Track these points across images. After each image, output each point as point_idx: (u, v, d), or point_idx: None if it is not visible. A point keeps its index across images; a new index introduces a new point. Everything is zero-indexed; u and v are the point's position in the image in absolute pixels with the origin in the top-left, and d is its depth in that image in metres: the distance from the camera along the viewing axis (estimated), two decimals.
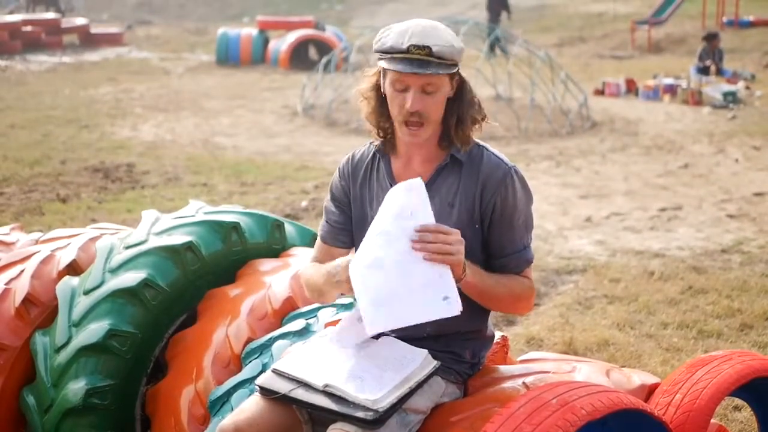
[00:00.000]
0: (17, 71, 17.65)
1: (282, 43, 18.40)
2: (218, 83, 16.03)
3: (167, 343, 3.11)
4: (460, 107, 2.40)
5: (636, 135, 11.08)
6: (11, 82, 15.95)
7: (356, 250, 2.36)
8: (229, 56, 18.74)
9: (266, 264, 3.22)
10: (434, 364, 2.36)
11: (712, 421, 2.54)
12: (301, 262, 3.13)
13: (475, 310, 2.45)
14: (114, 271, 3.08)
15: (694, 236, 6.78)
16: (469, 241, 2.30)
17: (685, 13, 22.11)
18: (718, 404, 2.48)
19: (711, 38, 14.81)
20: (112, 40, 22.72)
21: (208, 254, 3.17)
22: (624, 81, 14.47)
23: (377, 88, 2.42)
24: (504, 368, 2.56)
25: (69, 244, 3.41)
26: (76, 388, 2.94)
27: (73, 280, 3.16)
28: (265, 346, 2.80)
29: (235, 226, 3.25)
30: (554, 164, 9.49)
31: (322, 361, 2.35)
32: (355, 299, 2.32)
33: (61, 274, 3.22)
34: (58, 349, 3.01)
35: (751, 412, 3.19)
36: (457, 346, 2.48)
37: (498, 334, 2.70)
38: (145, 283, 3.03)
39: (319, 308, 2.87)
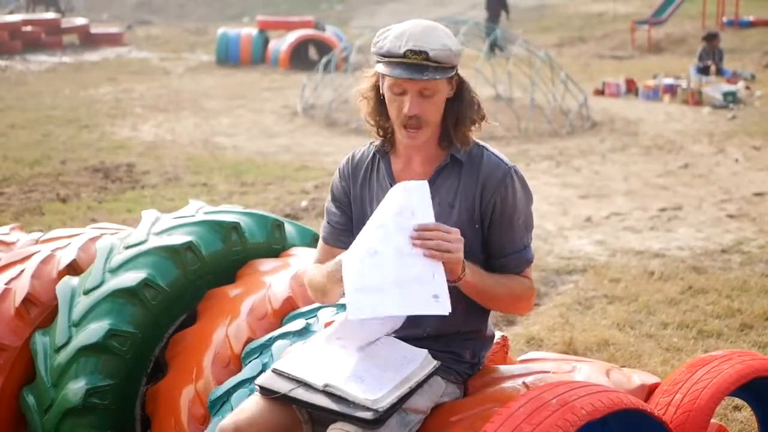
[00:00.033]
0: (17, 71, 17.65)
1: (282, 43, 18.40)
2: (218, 83, 16.03)
3: (167, 343, 3.11)
4: (460, 107, 2.39)
5: (636, 135, 11.08)
6: (11, 82, 15.95)
7: None
8: (229, 56, 18.74)
9: (266, 264, 3.22)
10: (434, 364, 2.36)
11: (712, 421, 2.54)
12: (301, 262, 3.13)
13: (475, 310, 2.45)
14: (114, 271, 3.08)
15: (694, 236, 6.78)
16: (469, 241, 2.30)
17: (685, 13, 22.11)
18: (718, 404, 2.48)
19: (711, 38, 14.80)
20: (112, 40, 22.73)
21: (208, 254, 3.17)
22: (624, 81, 14.47)
23: (377, 88, 2.42)
24: (504, 368, 2.57)
25: (69, 244, 3.40)
26: (76, 388, 2.94)
27: (73, 280, 3.16)
28: (265, 346, 2.80)
29: (235, 226, 3.25)
30: (554, 164, 9.49)
31: (322, 360, 2.35)
32: None
33: (61, 274, 3.22)
34: (58, 349, 3.01)
35: (751, 412, 3.19)
36: (457, 346, 2.48)
37: (498, 334, 2.70)
38: (145, 283, 3.04)
39: (319, 308, 2.87)
